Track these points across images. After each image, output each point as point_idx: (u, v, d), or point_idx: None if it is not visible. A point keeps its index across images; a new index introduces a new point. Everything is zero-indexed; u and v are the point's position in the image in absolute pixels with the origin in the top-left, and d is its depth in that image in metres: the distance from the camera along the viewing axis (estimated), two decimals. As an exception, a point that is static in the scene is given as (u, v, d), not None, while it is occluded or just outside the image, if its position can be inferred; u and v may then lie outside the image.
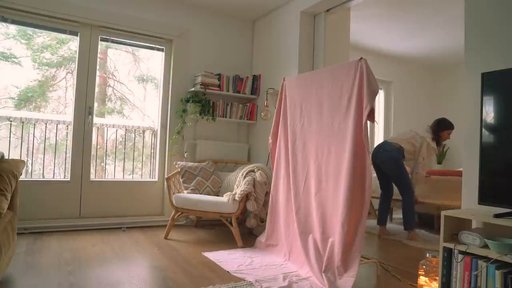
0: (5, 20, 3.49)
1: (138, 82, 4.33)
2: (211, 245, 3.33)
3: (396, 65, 6.30)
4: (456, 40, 5.08)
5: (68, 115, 3.87)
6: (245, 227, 3.71)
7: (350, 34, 4.08)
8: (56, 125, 3.86)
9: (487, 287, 1.81)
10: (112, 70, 4.25)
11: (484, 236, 1.89)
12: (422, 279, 2.27)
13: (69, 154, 3.82)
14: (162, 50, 4.28)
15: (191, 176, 3.82)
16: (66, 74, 3.94)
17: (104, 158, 4.17)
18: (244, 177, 3.56)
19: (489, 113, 2.01)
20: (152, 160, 4.33)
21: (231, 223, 3.38)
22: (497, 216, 1.84)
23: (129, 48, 4.26)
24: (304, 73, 3.26)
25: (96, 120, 3.98)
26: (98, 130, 4.09)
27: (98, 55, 3.93)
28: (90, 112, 3.85)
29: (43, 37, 3.84)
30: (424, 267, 2.27)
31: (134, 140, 4.32)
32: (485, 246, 1.87)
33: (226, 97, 4.41)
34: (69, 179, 3.78)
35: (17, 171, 2.32)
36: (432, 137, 3.87)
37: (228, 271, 2.57)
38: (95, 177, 4.00)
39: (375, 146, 4.11)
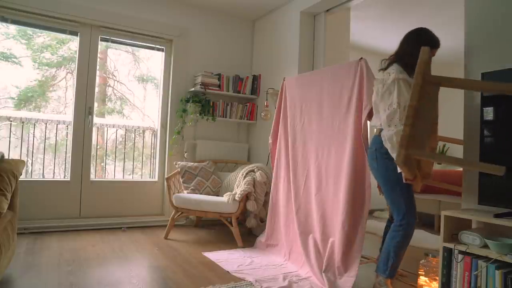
0: (5, 20, 3.49)
1: (138, 82, 4.33)
2: (211, 245, 3.33)
3: (396, 65, 6.28)
4: (456, 40, 5.07)
5: (68, 115, 3.86)
6: (245, 227, 3.71)
7: (350, 34, 4.08)
8: (56, 125, 3.86)
9: (487, 287, 1.81)
10: (112, 70, 4.25)
11: (484, 236, 1.89)
12: (422, 279, 2.27)
13: (69, 154, 3.82)
14: (162, 50, 4.27)
15: (191, 176, 3.82)
16: (66, 74, 3.93)
17: (104, 158, 4.17)
18: (244, 177, 3.56)
19: (489, 113, 2.01)
20: (152, 160, 4.33)
21: (231, 223, 3.38)
22: (497, 216, 1.85)
23: (129, 48, 4.26)
24: (304, 73, 3.26)
25: (96, 120, 3.98)
26: (98, 130, 4.09)
27: (98, 55, 3.92)
28: (90, 112, 3.85)
29: (43, 37, 3.83)
30: (424, 267, 2.27)
31: (134, 140, 4.32)
32: (485, 246, 1.87)
33: (226, 97, 4.41)
34: (69, 179, 3.77)
35: (17, 171, 2.32)
36: (403, 68, 2.18)
37: (228, 271, 2.57)
38: (95, 177, 4.00)
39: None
